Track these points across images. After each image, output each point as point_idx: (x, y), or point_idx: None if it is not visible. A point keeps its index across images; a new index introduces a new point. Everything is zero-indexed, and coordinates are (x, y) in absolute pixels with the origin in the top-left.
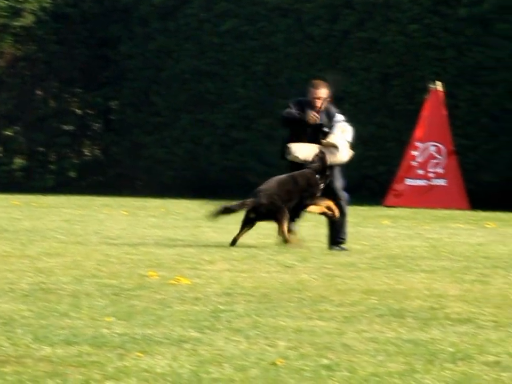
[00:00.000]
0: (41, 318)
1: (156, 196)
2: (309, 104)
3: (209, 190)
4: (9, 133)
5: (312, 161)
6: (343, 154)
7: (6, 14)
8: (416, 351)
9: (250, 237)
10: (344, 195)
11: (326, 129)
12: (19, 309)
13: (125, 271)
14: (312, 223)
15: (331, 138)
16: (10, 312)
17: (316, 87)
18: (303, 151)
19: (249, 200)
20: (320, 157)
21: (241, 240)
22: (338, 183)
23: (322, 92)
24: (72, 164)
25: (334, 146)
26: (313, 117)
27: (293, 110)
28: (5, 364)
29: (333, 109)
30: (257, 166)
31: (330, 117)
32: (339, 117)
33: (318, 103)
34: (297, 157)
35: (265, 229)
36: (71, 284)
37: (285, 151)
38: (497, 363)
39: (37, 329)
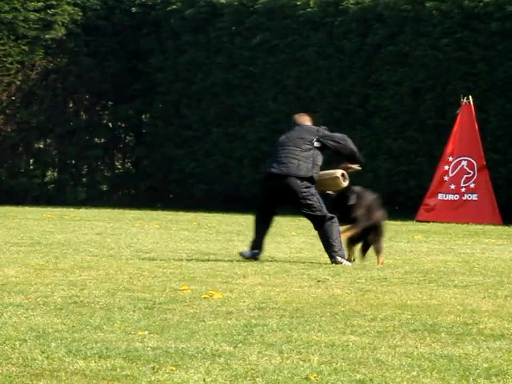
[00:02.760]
0: (75, 332)
1: (187, 209)
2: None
3: (241, 204)
4: (41, 146)
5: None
6: None
7: (37, 26)
8: (450, 366)
9: (282, 251)
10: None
11: None
12: (52, 322)
13: (157, 284)
14: None
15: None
16: (44, 325)
17: None
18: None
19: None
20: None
21: (273, 254)
22: None
23: None
24: (104, 176)
25: None
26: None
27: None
28: (39, 377)
29: None
30: None
31: None
32: None
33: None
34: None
35: (298, 243)
36: (104, 297)
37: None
38: None
39: (71, 342)
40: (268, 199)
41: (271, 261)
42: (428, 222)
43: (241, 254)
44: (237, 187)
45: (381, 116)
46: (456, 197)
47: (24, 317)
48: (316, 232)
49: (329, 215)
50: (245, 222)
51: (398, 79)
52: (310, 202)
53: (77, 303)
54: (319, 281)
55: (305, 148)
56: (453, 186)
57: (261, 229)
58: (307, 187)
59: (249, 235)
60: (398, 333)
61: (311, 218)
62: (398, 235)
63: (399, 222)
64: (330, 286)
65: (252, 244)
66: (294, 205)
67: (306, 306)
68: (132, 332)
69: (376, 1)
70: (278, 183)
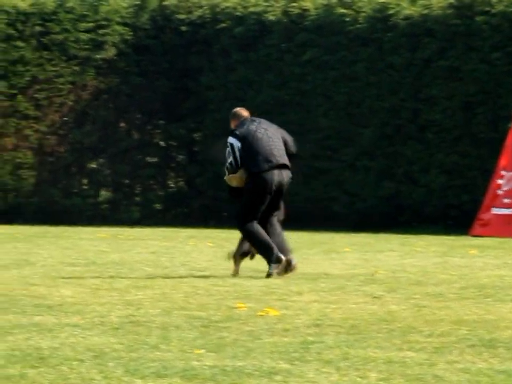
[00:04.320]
0: (132, 351)
1: None
2: None
3: (293, 221)
4: (94, 166)
5: None
6: None
7: (87, 46)
8: (509, 382)
9: (336, 267)
10: None
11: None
12: (109, 342)
13: (213, 302)
14: (398, 253)
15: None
16: (101, 345)
17: None
18: None
19: None
20: None
21: (328, 270)
22: None
23: None
24: (157, 195)
25: None
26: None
27: None
28: None
29: None
30: (341, 196)
31: None
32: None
33: None
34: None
35: (352, 260)
36: (160, 316)
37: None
38: None
39: (128, 362)
40: (265, 199)
41: (326, 277)
42: (482, 236)
43: (270, 274)
44: (289, 204)
45: (433, 130)
46: (510, 211)
47: (81, 337)
48: (369, 248)
49: None
50: (298, 239)
51: (449, 93)
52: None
53: (133, 323)
54: (374, 297)
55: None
56: (507, 200)
57: (267, 236)
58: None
59: (303, 252)
60: (455, 349)
61: (276, 209)
62: (452, 250)
63: (453, 237)
64: (386, 302)
65: (274, 257)
66: (278, 199)
67: (362, 322)
68: (189, 351)
69: (426, 16)
70: (280, 175)
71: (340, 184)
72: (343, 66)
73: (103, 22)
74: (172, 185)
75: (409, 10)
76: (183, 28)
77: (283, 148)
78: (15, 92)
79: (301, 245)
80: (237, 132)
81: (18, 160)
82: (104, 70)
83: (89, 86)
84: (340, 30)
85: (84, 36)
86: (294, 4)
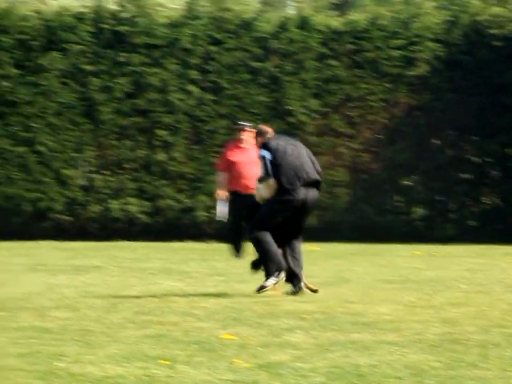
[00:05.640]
0: (450, 369)
1: None
2: None
3: None
4: (408, 182)
5: None
6: None
7: (399, 63)
8: None
9: None
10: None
11: None
12: (427, 360)
13: None
14: None
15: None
16: (418, 362)
17: None
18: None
19: None
20: None
21: None
22: None
23: None
24: (472, 212)
25: None
26: None
27: None
28: None
29: None
30: None
31: None
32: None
33: None
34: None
35: None
36: (477, 334)
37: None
38: None
39: (446, 379)
40: (287, 213)
41: None
42: None
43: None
44: None
45: None
46: None
47: (399, 355)
48: None
49: None
50: None
51: None
52: None
53: (451, 340)
54: None
55: None
56: None
57: (276, 248)
58: None
59: None
60: None
61: (300, 232)
62: None
63: None
64: None
65: (276, 270)
66: (301, 218)
67: None
68: (508, 369)
69: None
70: (306, 193)
71: None
72: None
73: (415, 39)
74: (487, 201)
75: None
76: (496, 43)
77: (312, 165)
78: (328, 110)
79: None
80: (269, 145)
81: (333, 178)
82: (417, 87)
83: (401, 103)
84: None
85: (396, 53)
86: None
